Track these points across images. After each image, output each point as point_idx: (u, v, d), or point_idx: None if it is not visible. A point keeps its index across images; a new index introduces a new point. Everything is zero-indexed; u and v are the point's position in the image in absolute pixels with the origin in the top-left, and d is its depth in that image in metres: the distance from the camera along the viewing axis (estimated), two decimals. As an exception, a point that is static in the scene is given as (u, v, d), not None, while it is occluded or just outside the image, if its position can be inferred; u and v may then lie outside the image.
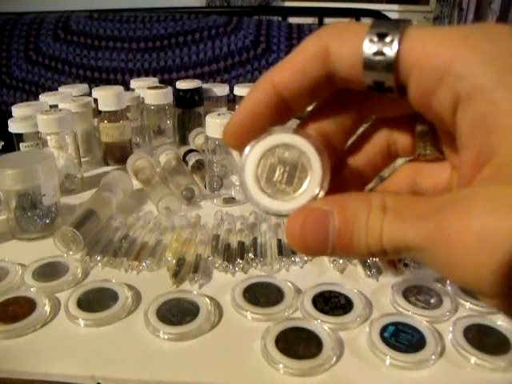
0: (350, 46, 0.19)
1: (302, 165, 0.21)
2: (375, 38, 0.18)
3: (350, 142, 0.24)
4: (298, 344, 0.33)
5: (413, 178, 0.24)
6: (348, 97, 0.22)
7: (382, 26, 0.18)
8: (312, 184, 0.20)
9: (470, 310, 0.37)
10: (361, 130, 0.24)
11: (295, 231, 0.19)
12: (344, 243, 0.19)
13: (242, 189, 0.21)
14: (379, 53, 0.18)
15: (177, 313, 0.36)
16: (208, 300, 0.37)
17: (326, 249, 0.19)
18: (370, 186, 0.25)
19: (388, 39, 0.18)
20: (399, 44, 0.18)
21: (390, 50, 0.18)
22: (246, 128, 0.21)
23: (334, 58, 0.19)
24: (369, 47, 0.18)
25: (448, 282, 0.40)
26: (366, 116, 0.23)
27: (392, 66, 0.18)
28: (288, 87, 0.20)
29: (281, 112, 0.21)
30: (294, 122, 0.22)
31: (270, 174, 0.21)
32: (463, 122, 0.18)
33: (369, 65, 0.19)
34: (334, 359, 0.32)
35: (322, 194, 0.20)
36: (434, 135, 0.22)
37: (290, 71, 0.20)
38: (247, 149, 0.21)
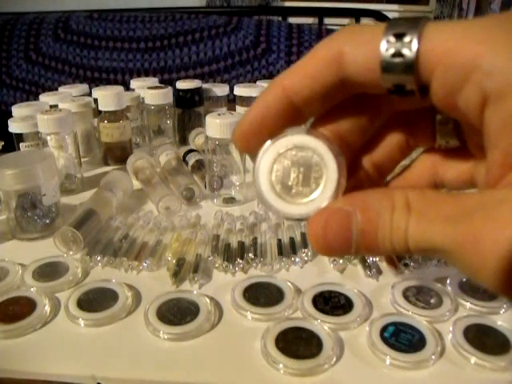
0: (366, 48, 0.18)
1: (317, 164, 0.20)
2: (392, 39, 0.17)
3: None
4: (297, 344, 0.33)
5: (434, 168, 0.23)
6: (364, 97, 0.21)
7: (399, 26, 0.17)
8: (329, 184, 0.20)
9: (469, 310, 0.37)
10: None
11: (318, 233, 0.19)
12: (368, 243, 0.18)
13: (258, 198, 0.21)
14: (398, 54, 0.17)
15: (177, 313, 0.36)
16: (208, 300, 0.37)
17: (349, 249, 0.18)
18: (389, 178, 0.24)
19: (406, 39, 0.17)
20: (419, 43, 0.17)
21: (409, 51, 0.17)
22: (255, 132, 0.21)
23: (349, 63, 0.18)
24: (386, 49, 0.17)
25: (448, 281, 0.40)
26: (384, 113, 0.22)
27: (412, 67, 0.17)
28: (298, 93, 0.20)
29: (291, 117, 0.21)
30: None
31: (284, 179, 0.20)
32: (491, 122, 0.17)
33: (387, 67, 0.18)
34: (334, 359, 0.32)
35: (340, 193, 0.20)
36: (455, 123, 0.21)
37: (300, 76, 0.20)
38: (259, 156, 0.21)
